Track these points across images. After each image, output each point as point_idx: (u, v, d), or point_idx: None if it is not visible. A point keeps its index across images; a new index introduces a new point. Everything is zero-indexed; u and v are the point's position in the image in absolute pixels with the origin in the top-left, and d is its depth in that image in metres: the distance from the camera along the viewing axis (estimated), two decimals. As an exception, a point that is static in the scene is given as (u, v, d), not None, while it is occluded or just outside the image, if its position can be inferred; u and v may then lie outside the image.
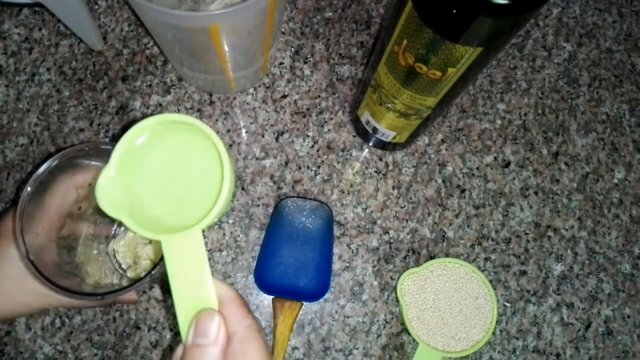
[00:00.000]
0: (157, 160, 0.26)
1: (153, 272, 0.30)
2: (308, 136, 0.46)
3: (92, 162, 0.32)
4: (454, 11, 0.24)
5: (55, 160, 0.30)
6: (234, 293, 0.24)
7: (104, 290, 0.30)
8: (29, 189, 0.29)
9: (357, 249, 0.44)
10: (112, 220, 0.38)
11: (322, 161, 0.46)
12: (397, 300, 0.43)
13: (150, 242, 0.36)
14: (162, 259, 0.26)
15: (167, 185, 0.26)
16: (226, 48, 0.37)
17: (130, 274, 0.37)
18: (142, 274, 0.37)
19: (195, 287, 0.24)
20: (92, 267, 0.36)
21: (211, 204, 0.24)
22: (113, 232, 0.39)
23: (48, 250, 0.32)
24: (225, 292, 0.24)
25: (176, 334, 0.41)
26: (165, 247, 0.24)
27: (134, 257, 0.37)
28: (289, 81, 0.47)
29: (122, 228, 0.39)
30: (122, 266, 0.37)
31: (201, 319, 0.23)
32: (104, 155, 0.30)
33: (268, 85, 0.47)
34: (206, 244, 0.43)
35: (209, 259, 0.42)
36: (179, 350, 0.24)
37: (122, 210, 0.24)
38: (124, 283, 0.37)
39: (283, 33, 0.49)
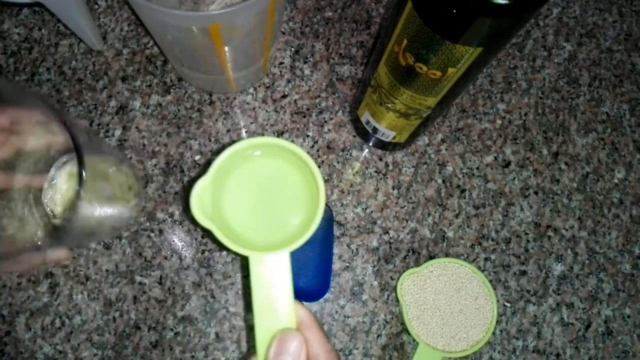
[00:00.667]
0: (246, 179, 0.27)
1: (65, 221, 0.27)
2: (308, 136, 0.46)
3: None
4: (454, 11, 0.24)
5: None
6: (313, 317, 0.25)
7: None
8: None
9: (357, 249, 0.44)
10: (45, 171, 0.37)
11: (322, 161, 0.46)
12: (397, 300, 0.43)
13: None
14: (73, 206, 0.25)
15: (253, 203, 0.27)
16: (226, 48, 0.37)
17: (57, 222, 0.36)
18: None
19: (278, 306, 0.25)
20: (12, 219, 0.34)
21: (299, 226, 0.26)
22: (46, 184, 0.37)
23: None
24: (305, 315, 0.25)
25: (176, 333, 0.41)
26: (252, 264, 0.25)
27: (66, 204, 0.36)
28: (289, 81, 0.47)
29: (55, 177, 0.37)
30: (55, 215, 0.36)
31: (284, 338, 0.24)
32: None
33: (268, 85, 0.47)
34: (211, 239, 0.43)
35: (210, 259, 0.43)
36: None
37: (212, 221, 0.25)
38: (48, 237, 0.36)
39: (283, 33, 0.49)
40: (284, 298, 0.25)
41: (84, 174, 0.25)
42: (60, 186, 0.37)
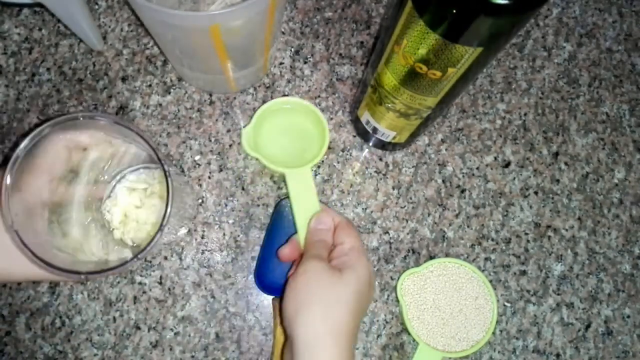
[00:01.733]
0: (277, 125, 0.43)
1: (150, 245, 0.28)
2: (308, 136, 0.46)
3: (85, 126, 0.32)
4: (454, 11, 0.24)
5: (47, 127, 0.29)
6: (326, 206, 0.39)
7: (93, 266, 0.28)
8: (22, 146, 0.28)
9: (357, 249, 0.44)
10: (108, 182, 0.40)
11: (322, 161, 0.46)
12: (397, 300, 0.43)
13: (141, 207, 0.40)
14: (159, 230, 0.29)
15: (283, 140, 0.43)
16: (226, 48, 0.37)
17: (116, 234, 0.38)
18: (127, 234, 0.38)
19: (307, 201, 0.39)
20: (80, 231, 0.35)
21: (313, 153, 0.41)
22: (107, 195, 0.40)
23: (38, 217, 0.31)
24: (323, 206, 0.39)
25: (176, 333, 0.41)
26: (288, 177, 0.40)
27: (123, 217, 0.39)
28: (289, 81, 0.47)
29: (116, 190, 0.40)
30: (111, 225, 0.39)
31: (319, 215, 0.37)
32: (95, 126, 0.31)
33: (268, 85, 0.47)
34: (211, 239, 0.43)
35: (210, 259, 0.43)
36: (296, 237, 0.38)
37: (256, 152, 0.41)
38: (109, 243, 0.37)
39: (283, 33, 0.49)
40: (311, 196, 0.39)
41: (170, 197, 0.29)
42: (120, 199, 0.39)
